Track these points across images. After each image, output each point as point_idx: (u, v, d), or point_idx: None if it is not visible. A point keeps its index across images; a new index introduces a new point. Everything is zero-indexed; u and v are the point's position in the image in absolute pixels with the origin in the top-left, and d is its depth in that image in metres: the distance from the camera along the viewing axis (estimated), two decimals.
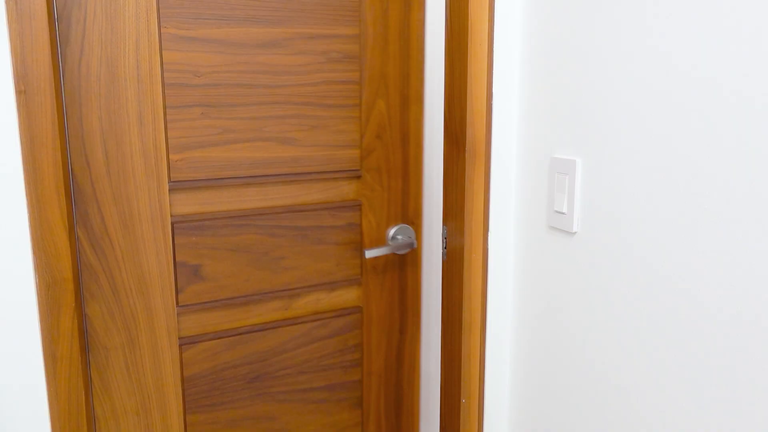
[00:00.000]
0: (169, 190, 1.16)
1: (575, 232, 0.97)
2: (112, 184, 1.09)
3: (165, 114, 1.12)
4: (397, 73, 1.37)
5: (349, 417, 1.46)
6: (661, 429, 0.81)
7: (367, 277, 1.43)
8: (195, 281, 1.20)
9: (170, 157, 1.14)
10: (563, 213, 0.99)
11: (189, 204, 1.18)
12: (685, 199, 0.74)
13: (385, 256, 1.47)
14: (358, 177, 1.36)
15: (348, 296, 1.41)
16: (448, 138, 1.24)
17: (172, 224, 1.16)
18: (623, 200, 0.85)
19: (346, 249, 1.38)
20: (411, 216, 1.47)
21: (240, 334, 1.27)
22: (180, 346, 1.21)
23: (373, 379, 1.48)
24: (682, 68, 0.74)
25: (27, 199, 0.92)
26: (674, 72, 0.75)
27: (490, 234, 1.16)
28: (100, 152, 1.07)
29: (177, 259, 1.17)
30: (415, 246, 1.47)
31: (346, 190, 1.36)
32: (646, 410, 0.84)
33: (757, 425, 0.67)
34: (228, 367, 1.28)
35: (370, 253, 1.38)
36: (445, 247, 1.27)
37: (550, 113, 1.02)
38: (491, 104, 1.11)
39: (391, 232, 1.46)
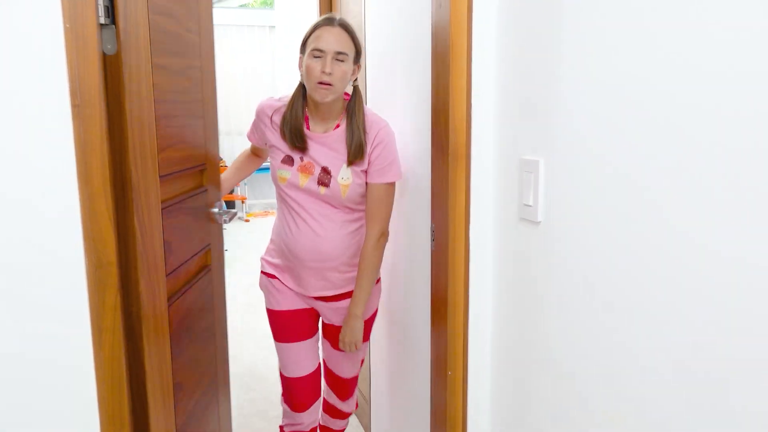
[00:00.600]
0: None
1: (539, 222, 1.15)
2: (141, 178, 1.27)
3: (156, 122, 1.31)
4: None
5: None
6: (608, 379, 0.99)
7: None
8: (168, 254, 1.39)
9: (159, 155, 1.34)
10: (530, 206, 1.17)
11: (164, 192, 1.38)
12: (630, 193, 0.92)
13: None
14: None
15: None
16: (434, 144, 1.42)
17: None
18: (579, 193, 1.03)
19: None
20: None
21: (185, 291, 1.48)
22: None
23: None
24: (622, 91, 0.92)
25: (79, 195, 1.09)
26: (614, 92, 0.93)
27: (471, 226, 1.34)
28: (139, 155, 1.25)
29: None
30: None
31: None
32: (594, 368, 1.02)
33: (707, 410, 0.85)
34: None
35: None
36: (433, 239, 1.45)
37: (519, 122, 1.20)
38: (470, 115, 1.29)
39: None
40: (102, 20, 1.13)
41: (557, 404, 1.13)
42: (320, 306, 1.91)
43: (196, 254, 1.67)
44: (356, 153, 1.71)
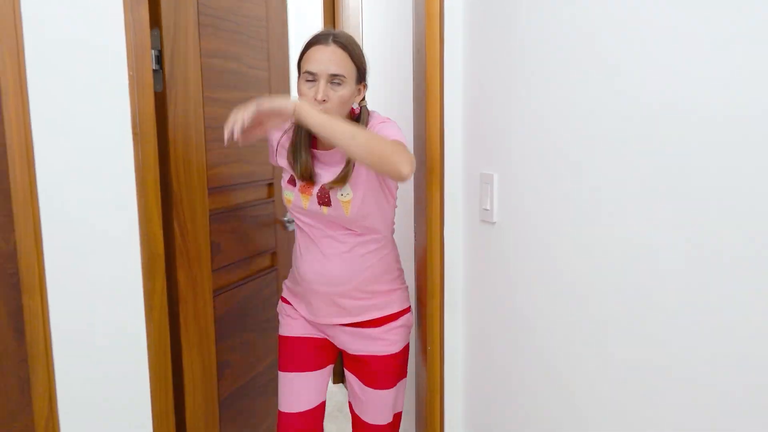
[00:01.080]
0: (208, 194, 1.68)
1: (495, 222, 1.47)
2: (184, 190, 1.60)
3: (206, 144, 1.64)
4: None
5: None
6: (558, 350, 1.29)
7: None
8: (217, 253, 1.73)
9: (208, 171, 1.66)
10: (488, 210, 1.48)
11: (215, 202, 1.71)
12: (560, 197, 1.23)
13: None
14: None
15: None
16: (417, 162, 1.74)
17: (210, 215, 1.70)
18: (524, 198, 1.35)
19: None
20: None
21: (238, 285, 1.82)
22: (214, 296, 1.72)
23: None
24: (550, 124, 1.24)
25: (137, 203, 1.42)
26: (545, 125, 1.25)
27: (445, 226, 1.66)
28: (182, 171, 1.58)
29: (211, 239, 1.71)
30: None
31: None
32: (542, 339, 1.33)
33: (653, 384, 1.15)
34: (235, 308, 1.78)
35: None
36: (415, 237, 1.77)
37: (480, 145, 1.52)
38: (443, 140, 1.62)
39: None
40: (154, 67, 1.46)
41: (512, 363, 1.44)
42: (336, 333, 1.67)
43: (255, 256, 1.99)
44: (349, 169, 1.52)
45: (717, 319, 0.84)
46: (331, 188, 1.52)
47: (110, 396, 1.44)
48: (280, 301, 1.78)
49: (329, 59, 1.43)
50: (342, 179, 1.51)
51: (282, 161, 1.62)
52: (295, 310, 1.71)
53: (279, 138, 1.63)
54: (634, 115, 0.97)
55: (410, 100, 1.90)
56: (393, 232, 1.68)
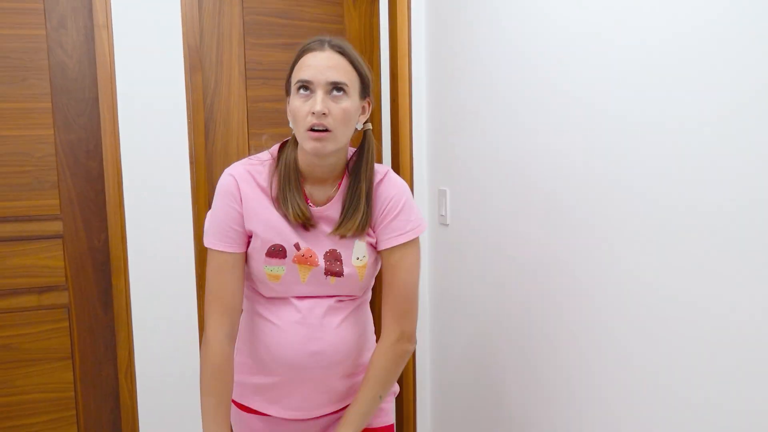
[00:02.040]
0: None
1: (449, 224, 2.04)
2: None
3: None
4: None
5: None
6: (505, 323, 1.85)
7: None
8: None
9: None
10: (443, 215, 2.05)
11: None
12: (491, 207, 1.80)
13: None
14: None
15: None
16: None
17: None
18: (469, 206, 1.91)
19: None
20: None
21: None
22: None
23: None
24: (486, 151, 1.81)
25: (192, 212, 1.97)
26: (482, 153, 1.82)
27: None
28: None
29: None
30: None
31: None
32: (476, 314, 1.88)
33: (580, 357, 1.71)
34: None
35: None
36: None
37: (439, 166, 2.09)
38: (413, 161, 2.19)
39: None
40: (204, 114, 2.02)
41: (462, 331, 2.00)
42: (322, 426, 1.34)
43: None
44: (356, 219, 1.22)
45: (628, 289, 1.41)
46: (341, 237, 1.23)
47: (173, 349, 1.98)
48: (233, 407, 1.33)
49: (326, 65, 1.14)
50: (362, 226, 1.23)
51: (254, 218, 1.21)
52: (264, 415, 1.31)
53: (241, 194, 1.22)
54: (532, 162, 1.55)
55: (387, 138, 2.48)
56: None
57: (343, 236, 1.23)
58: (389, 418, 1.38)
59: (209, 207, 2.11)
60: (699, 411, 1.10)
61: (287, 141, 1.27)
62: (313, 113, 1.13)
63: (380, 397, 1.26)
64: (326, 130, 1.14)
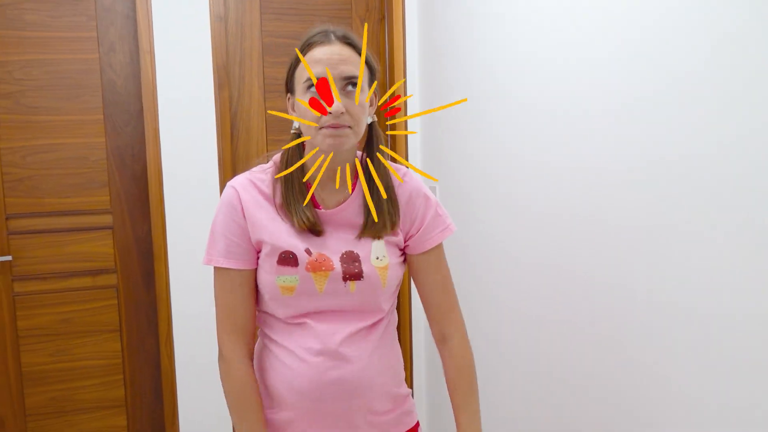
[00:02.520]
0: None
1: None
2: None
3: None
4: None
5: None
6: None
7: None
8: None
9: None
10: None
11: None
12: (471, 201, 2.13)
13: None
14: None
15: None
16: None
17: None
18: (459, 197, 2.24)
19: None
20: None
21: None
22: None
23: None
24: (473, 157, 2.15)
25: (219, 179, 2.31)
26: (469, 154, 2.16)
27: None
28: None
29: None
30: None
31: None
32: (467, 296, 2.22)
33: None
34: None
35: None
36: None
37: (432, 165, 2.43)
38: (408, 160, 2.53)
39: None
40: (230, 123, 2.37)
41: None
42: None
43: None
44: (385, 218, 1.14)
45: (598, 266, 1.75)
46: (360, 237, 1.14)
47: (207, 323, 2.32)
48: None
49: (338, 58, 1.05)
50: (392, 222, 1.15)
51: (258, 228, 1.13)
52: None
53: (242, 205, 1.13)
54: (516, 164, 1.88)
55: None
56: None
57: (370, 237, 1.14)
58: (414, 416, 1.28)
59: None
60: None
61: (289, 147, 1.15)
62: (331, 113, 1.03)
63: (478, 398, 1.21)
64: (343, 125, 1.04)
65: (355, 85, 1.06)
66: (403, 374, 1.26)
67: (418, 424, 1.29)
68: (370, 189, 1.15)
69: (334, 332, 1.13)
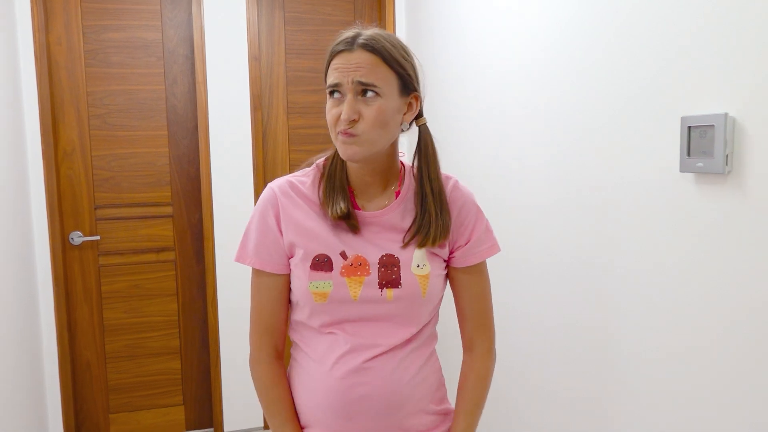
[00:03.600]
0: None
1: None
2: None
3: (288, 150, 3.25)
4: None
5: None
6: None
7: None
8: None
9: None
10: None
11: None
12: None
13: None
14: None
15: None
16: None
17: None
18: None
19: None
20: None
21: None
22: None
23: None
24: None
25: (253, 198, 3.02)
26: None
27: None
28: (279, 170, 3.19)
29: None
30: None
31: None
32: None
33: None
34: None
35: None
36: None
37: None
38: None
39: None
40: (262, 137, 3.09)
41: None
42: None
43: None
44: (437, 225, 1.11)
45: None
46: (405, 242, 1.12)
47: (244, 288, 3.02)
48: None
49: (355, 65, 1.05)
50: (444, 232, 1.12)
51: (292, 229, 1.13)
52: None
53: (282, 206, 1.14)
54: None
55: None
56: None
57: (415, 244, 1.11)
58: None
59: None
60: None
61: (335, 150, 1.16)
62: (341, 118, 1.05)
63: (480, 409, 1.18)
64: (352, 134, 1.04)
65: (374, 92, 1.04)
66: (444, 391, 1.22)
67: None
68: (421, 195, 1.12)
69: (366, 345, 1.10)
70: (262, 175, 3.05)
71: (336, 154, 1.17)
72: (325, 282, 1.09)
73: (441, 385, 1.21)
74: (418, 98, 1.13)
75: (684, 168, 1.31)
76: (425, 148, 1.14)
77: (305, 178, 1.18)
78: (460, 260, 1.17)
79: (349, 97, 1.05)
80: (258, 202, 1.16)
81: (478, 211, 1.18)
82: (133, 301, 2.93)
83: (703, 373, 1.30)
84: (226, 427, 3.02)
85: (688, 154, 1.30)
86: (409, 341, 1.13)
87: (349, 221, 1.10)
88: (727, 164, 1.22)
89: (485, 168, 2.30)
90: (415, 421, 1.14)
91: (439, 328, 2.78)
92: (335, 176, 1.15)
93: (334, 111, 1.07)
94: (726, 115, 1.20)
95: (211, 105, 2.90)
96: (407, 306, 1.11)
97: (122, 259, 2.90)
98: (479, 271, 1.19)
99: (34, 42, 2.63)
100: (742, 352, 1.20)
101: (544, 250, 1.91)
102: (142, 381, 2.96)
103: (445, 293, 2.09)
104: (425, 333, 1.17)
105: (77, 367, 2.87)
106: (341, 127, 1.06)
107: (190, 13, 2.89)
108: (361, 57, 1.05)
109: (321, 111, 3.12)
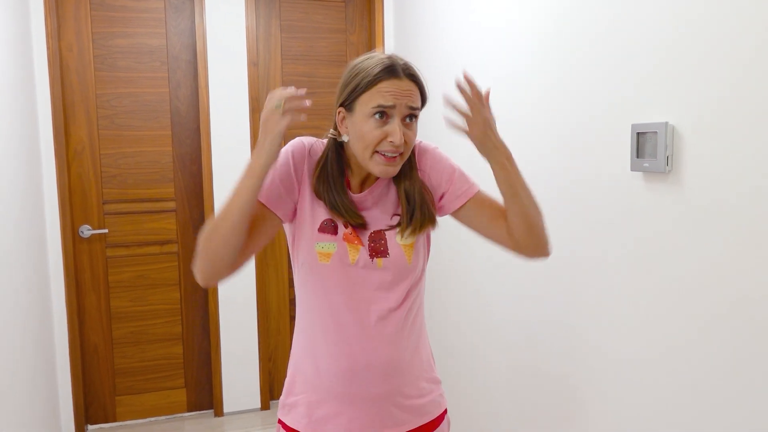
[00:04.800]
0: None
1: None
2: None
3: None
4: None
5: None
6: None
7: None
8: None
9: None
10: None
11: None
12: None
13: None
14: None
15: None
16: None
17: None
18: None
19: None
20: None
21: None
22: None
23: None
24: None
25: None
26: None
27: None
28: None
29: None
30: None
31: None
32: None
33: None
34: None
35: None
36: None
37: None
38: None
39: None
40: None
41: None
42: None
43: None
44: (425, 213, 1.23)
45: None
46: (389, 230, 1.21)
47: (243, 280, 3.23)
48: None
49: (406, 92, 1.14)
50: (431, 219, 1.24)
51: (306, 196, 1.21)
52: None
53: (306, 165, 1.22)
54: None
55: None
56: None
57: (409, 235, 1.22)
58: (443, 404, 1.33)
59: None
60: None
61: (329, 147, 1.23)
62: (391, 141, 1.12)
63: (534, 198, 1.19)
64: (400, 154, 1.15)
65: (415, 116, 1.16)
66: (432, 361, 1.32)
67: (446, 411, 1.32)
68: (401, 187, 1.23)
69: (365, 307, 1.20)
70: None
71: (329, 152, 1.23)
72: (330, 244, 1.19)
73: (430, 356, 1.34)
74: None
75: (634, 168, 1.56)
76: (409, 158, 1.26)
77: (320, 149, 1.26)
78: (450, 206, 1.27)
79: (397, 121, 1.13)
80: (288, 147, 1.22)
81: (447, 162, 1.29)
82: (138, 290, 3.13)
83: (646, 355, 1.55)
84: (225, 409, 3.23)
85: (637, 156, 1.55)
86: (400, 306, 1.22)
87: (361, 221, 1.22)
88: (667, 164, 1.46)
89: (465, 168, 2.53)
90: (411, 387, 1.25)
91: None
92: (329, 173, 1.21)
93: (378, 132, 1.13)
94: (666, 123, 1.45)
95: (212, 107, 3.11)
96: (396, 273, 1.21)
97: (128, 251, 3.10)
98: (475, 202, 1.26)
99: (48, 48, 2.82)
100: (680, 333, 1.45)
101: None
102: (147, 365, 3.16)
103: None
104: (412, 297, 1.25)
105: (86, 352, 3.07)
106: (388, 147, 1.13)
107: (193, 21, 3.09)
108: (410, 85, 1.15)
109: (314, 113, 3.33)
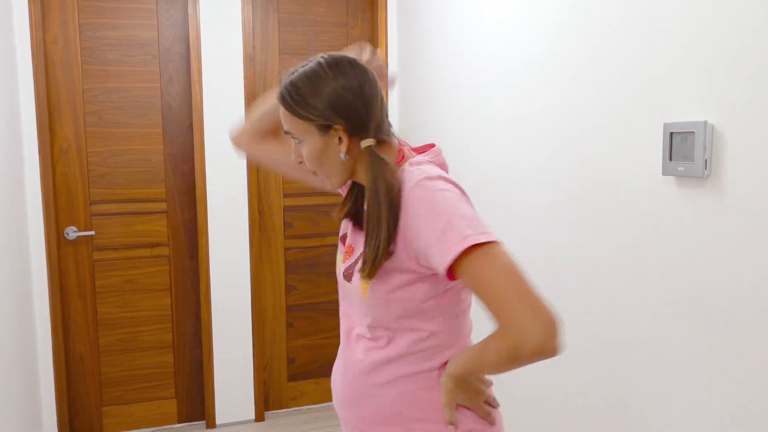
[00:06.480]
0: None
1: None
2: (263, 193, 3.26)
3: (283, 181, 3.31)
4: None
5: None
6: None
7: None
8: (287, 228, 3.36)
9: (284, 184, 3.32)
10: None
11: (286, 200, 3.36)
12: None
13: None
14: None
15: None
16: None
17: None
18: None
19: None
20: None
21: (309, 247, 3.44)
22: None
23: None
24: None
25: (247, 200, 3.08)
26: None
27: None
28: (263, 183, 3.24)
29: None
30: None
31: None
32: None
33: None
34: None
35: None
36: None
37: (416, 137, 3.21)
38: None
39: None
40: None
41: None
42: None
43: (320, 235, 3.62)
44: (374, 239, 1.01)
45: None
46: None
47: (236, 284, 3.08)
48: None
49: (284, 116, 1.11)
50: (373, 264, 1.01)
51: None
52: None
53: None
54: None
55: None
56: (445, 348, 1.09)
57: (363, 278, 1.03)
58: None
59: (259, 195, 3.22)
60: None
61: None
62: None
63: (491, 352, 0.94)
64: (314, 172, 1.13)
65: (297, 139, 1.11)
66: (420, 413, 1.08)
67: None
68: (369, 209, 1.03)
69: (345, 325, 1.19)
70: (255, 174, 3.11)
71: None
72: (339, 253, 1.22)
73: (416, 404, 1.09)
74: (342, 128, 1.07)
75: (666, 171, 1.40)
76: (369, 164, 1.05)
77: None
78: (433, 261, 0.97)
79: (293, 142, 1.15)
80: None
81: (428, 210, 0.97)
82: (126, 296, 2.97)
83: (682, 363, 1.39)
84: (218, 420, 3.07)
85: (670, 159, 1.39)
86: (373, 339, 1.11)
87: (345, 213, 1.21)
88: (706, 168, 1.31)
89: (477, 171, 2.39)
90: (371, 427, 1.11)
91: None
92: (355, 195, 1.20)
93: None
94: (705, 122, 1.29)
95: (205, 103, 2.96)
96: (353, 300, 1.13)
97: (116, 254, 2.94)
98: (466, 270, 0.94)
99: (31, 40, 2.66)
100: (719, 342, 1.30)
101: (536, 250, 2.00)
102: (135, 374, 3.01)
103: None
104: (392, 339, 1.09)
105: (71, 361, 2.91)
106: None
107: (186, 12, 2.93)
108: (283, 110, 1.12)
109: None
